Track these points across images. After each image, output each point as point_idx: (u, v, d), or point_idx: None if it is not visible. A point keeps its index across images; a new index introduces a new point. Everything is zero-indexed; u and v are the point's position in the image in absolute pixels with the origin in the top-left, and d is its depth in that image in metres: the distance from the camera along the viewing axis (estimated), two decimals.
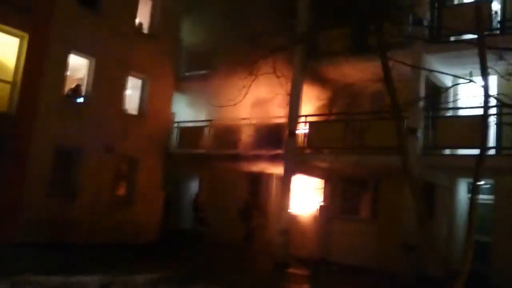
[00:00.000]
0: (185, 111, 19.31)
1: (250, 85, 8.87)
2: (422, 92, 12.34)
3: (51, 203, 13.65)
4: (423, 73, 12.15)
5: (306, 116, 14.88)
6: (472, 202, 7.19)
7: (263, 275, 12.24)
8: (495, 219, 12.64)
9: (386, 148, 12.99)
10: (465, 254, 4.81)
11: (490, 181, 12.97)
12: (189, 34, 19.12)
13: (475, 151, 10.46)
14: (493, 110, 10.71)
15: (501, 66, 8.44)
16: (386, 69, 7.71)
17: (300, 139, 14.78)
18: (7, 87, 13.62)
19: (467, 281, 12.58)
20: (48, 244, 12.26)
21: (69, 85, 14.95)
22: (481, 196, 13.76)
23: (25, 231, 12.82)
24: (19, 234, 12.72)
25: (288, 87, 13.49)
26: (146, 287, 7.53)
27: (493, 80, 10.27)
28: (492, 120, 10.78)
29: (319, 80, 15.17)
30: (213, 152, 17.32)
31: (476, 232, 14.09)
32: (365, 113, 14.70)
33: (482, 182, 13.87)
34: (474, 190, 7.34)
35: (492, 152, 11.07)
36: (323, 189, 15.91)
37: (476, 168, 7.52)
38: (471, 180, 13.94)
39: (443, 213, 13.49)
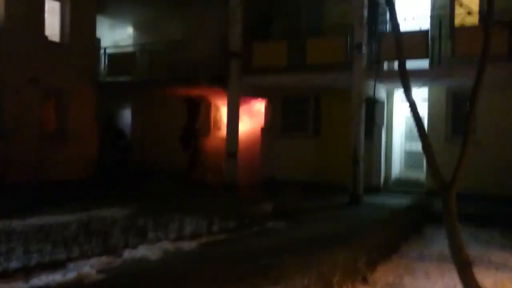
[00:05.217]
0: (111, 36, 17.85)
1: None
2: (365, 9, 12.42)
3: None
4: None
5: (248, 35, 14.41)
6: None
7: (215, 198, 12.22)
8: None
9: (329, 64, 13.24)
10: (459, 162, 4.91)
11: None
12: None
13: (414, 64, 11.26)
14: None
15: None
16: None
17: (244, 61, 14.40)
18: None
19: None
20: None
21: None
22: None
23: None
24: None
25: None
26: (125, 220, 7.17)
27: None
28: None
29: None
30: (147, 78, 16.45)
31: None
32: (307, 31, 14.61)
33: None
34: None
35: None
36: (265, 110, 15.90)
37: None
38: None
39: (382, 123, 14.07)
